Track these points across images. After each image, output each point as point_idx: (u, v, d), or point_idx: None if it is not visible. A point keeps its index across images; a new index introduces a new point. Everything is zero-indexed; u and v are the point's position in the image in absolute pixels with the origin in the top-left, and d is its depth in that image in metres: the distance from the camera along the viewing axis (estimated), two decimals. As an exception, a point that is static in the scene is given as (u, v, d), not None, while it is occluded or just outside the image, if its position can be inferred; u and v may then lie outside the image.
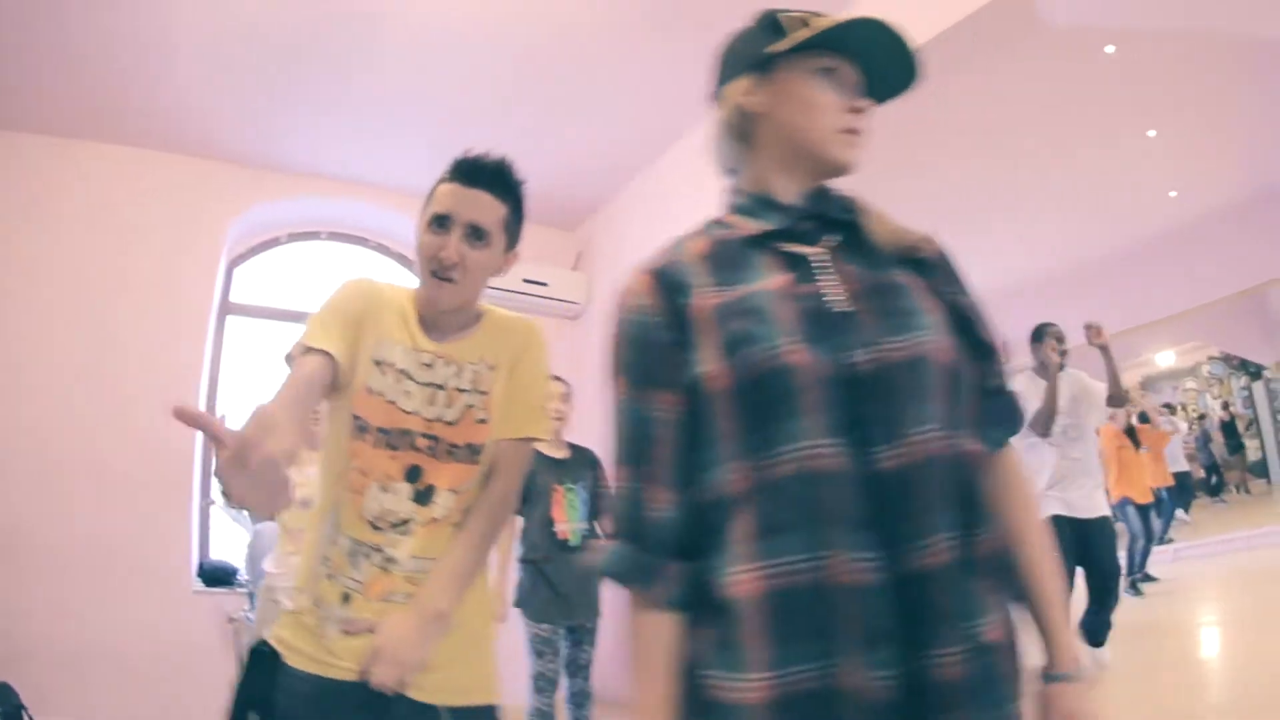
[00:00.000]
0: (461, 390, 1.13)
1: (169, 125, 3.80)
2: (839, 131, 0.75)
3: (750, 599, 0.62)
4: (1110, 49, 4.00)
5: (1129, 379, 9.89)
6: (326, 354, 1.04)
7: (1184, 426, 8.28)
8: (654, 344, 0.71)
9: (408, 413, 1.09)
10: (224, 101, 3.67)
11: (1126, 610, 4.46)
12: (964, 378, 0.70)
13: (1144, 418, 5.46)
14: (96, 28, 3.12)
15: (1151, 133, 4.94)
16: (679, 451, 0.69)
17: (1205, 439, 9.58)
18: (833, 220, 0.75)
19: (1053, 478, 3.00)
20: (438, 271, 1.09)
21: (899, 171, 4.98)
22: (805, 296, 0.68)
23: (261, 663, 1.06)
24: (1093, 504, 2.99)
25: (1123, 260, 6.76)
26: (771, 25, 0.78)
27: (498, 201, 1.12)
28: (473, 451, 1.13)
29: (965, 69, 3.28)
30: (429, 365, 1.12)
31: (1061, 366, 3.07)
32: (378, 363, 1.10)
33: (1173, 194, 5.91)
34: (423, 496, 1.09)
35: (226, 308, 4.28)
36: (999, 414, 0.74)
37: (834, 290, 0.69)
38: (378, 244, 4.63)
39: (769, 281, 0.69)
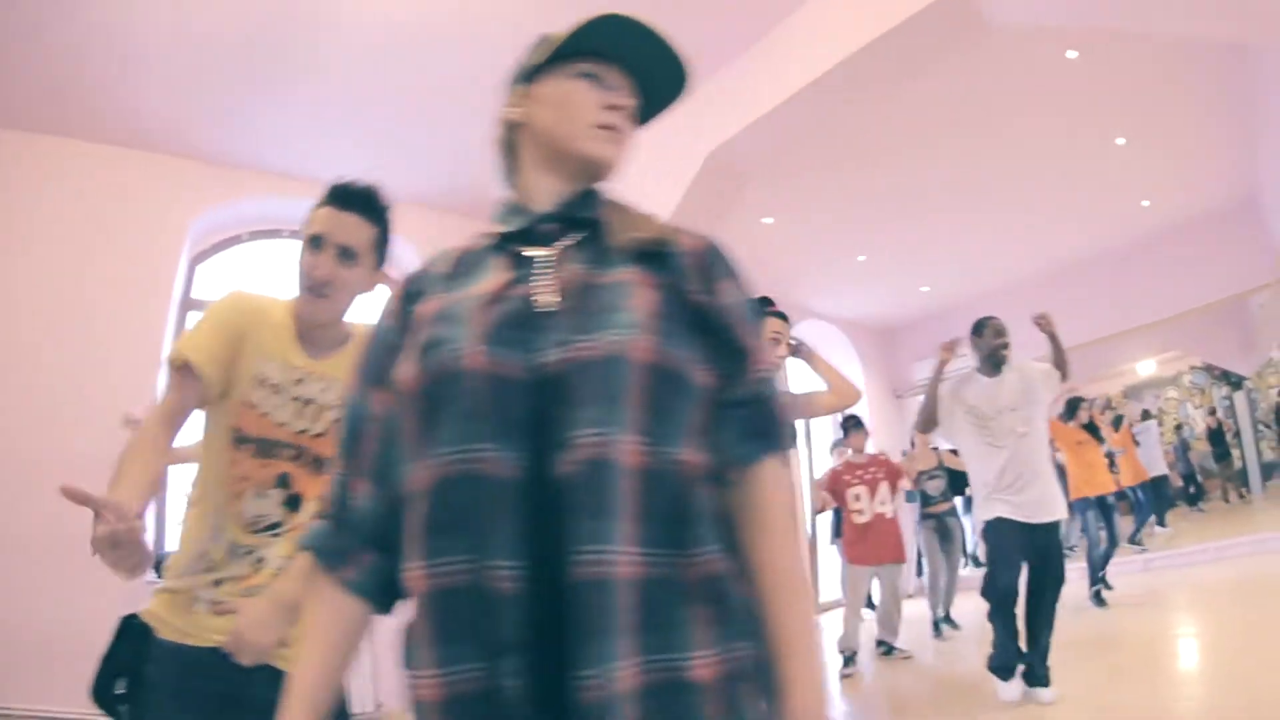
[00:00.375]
0: (328, 406, 1.23)
1: (133, 122, 3.80)
2: (593, 127, 0.74)
3: (418, 596, 0.62)
4: (1072, 54, 3.99)
5: (1110, 388, 9.93)
6: (201, 372, 1.16)
7: (1154, 427, 8.23)
8: (382, 345, 0.73)
9: (278, 424, 1.21)
10: (188, 99, 3.66)
11: (1089, 623, 4.42)
12: (684, 381, 0.65)
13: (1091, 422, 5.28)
14: (64, 25, 3.12)
15: (1120, 140, 4.93)
16: (384, 447, 0.71)
17: (1184, 448, 9.57)
18: (579, 221, 0.74)
19: (1001, 480, 2.93)
20: (313, 288, 1.20)
21: (873, 174, 5.00)
22: (513, 299, 0.67)
23: (131, 634, 1.17)
24: (1046, 508, 2.92)
25: (1099, 267, 6.76)
26: (542, 42, 0.79)
27: (367, 224, 1.23)
28: None
29: (913, 72, 3.28)
30: (300, 381, 1.23)
31: (1005, 360, 3.05)
32: (256, 378, 1.20)
33: (1145, 203, 5.90)
34: (293, 503, 1.21)
35: (188, 304, 4.27)
36: (747, 425, 0.68)
37: (546, 291, 0.67)
38: (340, 242, 4.62)
39: (485, 285, 0.69)
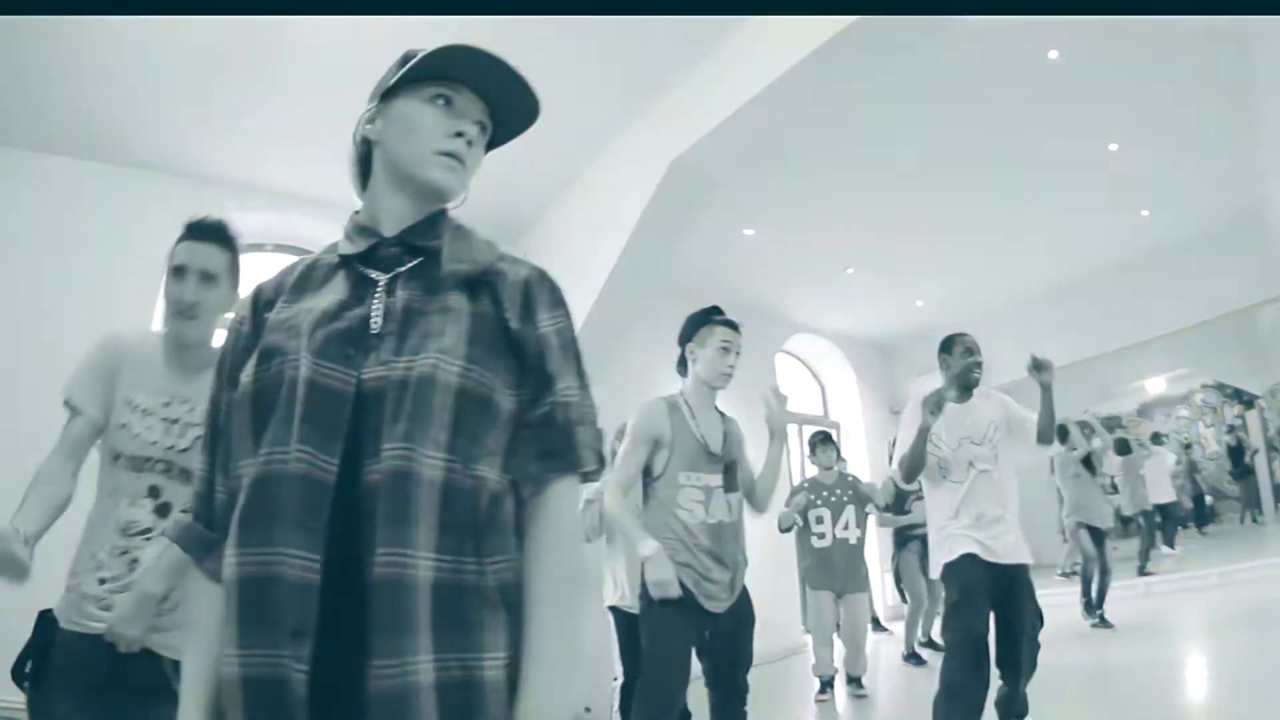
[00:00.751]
0: (193, 424, 1.43)
1: (113, 138, 3.84)
2: (436, 153, 0.79)
3: (229, 581, 0.67)
4: (1054, 54, 3.89)
5: (1121, 406, 9.66)
6: (83, 410, 1.41)
7: (1170, 457, 7.94)
8: (237, 349, 0.79)
9: (149, 442, 1.42)
10: (168, 114, 3.70)
11: (1086, 651, 4.24)
12: (489, 405, 0.72)
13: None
14: (35, 41, 3.16)
15: (1113, 146, 4.80)
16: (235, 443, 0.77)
17: (1192, 469, 9.26)
18: (417, 246, 0.79)
19: (958, 519, 2.62)
20: (181, 312, 1.42)
21: (852, 185, 4.90)
22: (348, 317, 0.74)
23: (43, 624, 1.39)
24: (1011, 547, 2.59)
25: (1100, 281, 6.55)
26: (403, 60, 0.82)
27: (221, 250, 1.46)
28: None
29: (878, 70, 3.22)
30: (167, 404, 1.44)
31: (976, 382, 2.74)
32: (128, 404, 1.42)
33: (1145, 213, 5.74)
34: (162, 510, 1.41)
35: (166, 316, 4.29)
36: (541, 446, 0.74)
37: (377, 313, 0.74)
38: (320, 254, 4.64)
39: (324, 301, 0.76)
